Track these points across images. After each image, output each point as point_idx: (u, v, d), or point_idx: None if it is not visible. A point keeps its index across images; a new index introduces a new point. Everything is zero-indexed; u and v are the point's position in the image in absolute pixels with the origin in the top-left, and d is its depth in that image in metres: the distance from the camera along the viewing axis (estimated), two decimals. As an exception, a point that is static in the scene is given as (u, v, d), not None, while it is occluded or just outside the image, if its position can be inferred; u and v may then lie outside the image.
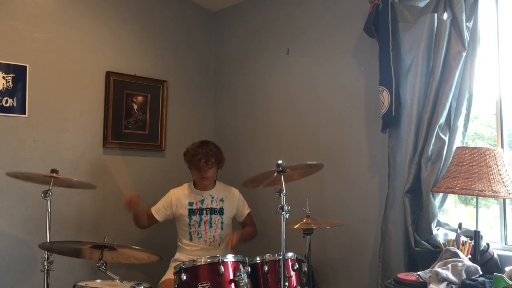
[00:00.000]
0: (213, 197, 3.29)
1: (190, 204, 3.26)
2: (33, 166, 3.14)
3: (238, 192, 3.38)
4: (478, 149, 2.31)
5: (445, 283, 2.08)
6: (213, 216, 3.25)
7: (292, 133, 3.54)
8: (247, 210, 3.38)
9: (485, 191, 2.20)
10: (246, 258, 2.70)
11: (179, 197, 3.29)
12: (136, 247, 2.44)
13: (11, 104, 3.11)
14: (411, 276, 2.28)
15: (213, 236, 3.24)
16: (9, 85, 3.10)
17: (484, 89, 2.66)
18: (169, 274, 3.01)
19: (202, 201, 3.27)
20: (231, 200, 3.33)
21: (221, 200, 3.30)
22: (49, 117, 3.28)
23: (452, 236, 2.50)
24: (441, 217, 2.71)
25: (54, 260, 2.66)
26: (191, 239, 3.25)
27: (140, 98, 3.72)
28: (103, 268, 2.28)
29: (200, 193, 3.30)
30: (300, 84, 3.50)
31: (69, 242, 2.68)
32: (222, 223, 3.26)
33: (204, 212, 3.25)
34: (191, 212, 3.24)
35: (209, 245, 3.23)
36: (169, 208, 3.28)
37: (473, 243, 2.35)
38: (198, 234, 3.23)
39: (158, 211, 3.28)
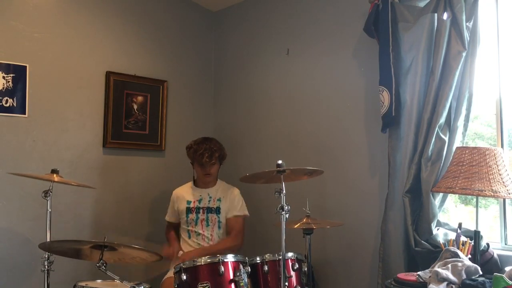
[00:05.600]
0: (211, 197, 3.31)
1: (188, 202, 3.30)
2: (33, 166, 3.15)
3: (237, 191, 3.37)
4: (478, 149, 2.31)
5: (445, 283, 2.08)
6: (209, 215, 3.27)
7: (292, 133, 3.54)
8: (238, 212, 3.27)
9: (485, 191, 2.20)
10: (246, 258, 2.70)
11: (180, 194, 3.37)
12: (137, 246, 2.44)
13: (11, 104, 3.11)
14: (411, 276, 2.28)
15: (211, 234, 3.25)
16: (9, 85, 3.10)
17: (484, 89, 2.65)
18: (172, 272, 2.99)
19: (199, 200, 3.30)
20: (228, 199, 3.31)
21: (219, 199, 3.31)
22: (49, 117, 3.28)
23: (452, 236, 2.50)
24: (441, 217, 2.71)
25: (54, 260, 2.66)
26: (189, 237, 3.28)
27: (140, 98, 3.72)
28: (103, 268, 2.27)
29: (200, 192, 3.33)
30: (300, 84, 3.50)
31: (69, 241, 2.67)
32: (219, 222, 3.27)
33: (201, 211, 3.27)
34: (188, 210, 3.28)
35: (207, 244, 3.23)
36: (173, 206, 3.37)
37: (473, 243, 2.35)
38: (196, 232, 3.26)
39: (168, 215, 3.43)
